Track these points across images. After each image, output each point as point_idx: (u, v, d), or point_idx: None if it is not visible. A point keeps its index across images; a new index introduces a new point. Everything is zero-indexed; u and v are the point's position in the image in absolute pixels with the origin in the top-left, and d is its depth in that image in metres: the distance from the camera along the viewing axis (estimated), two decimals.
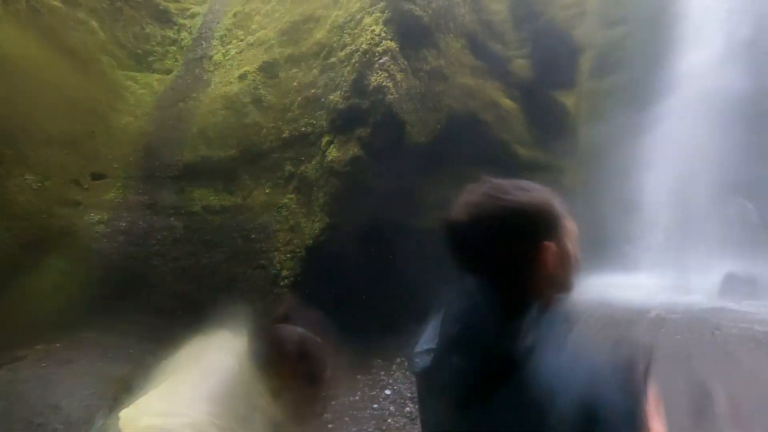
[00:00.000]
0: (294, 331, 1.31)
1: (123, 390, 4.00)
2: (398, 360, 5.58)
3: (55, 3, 6.89)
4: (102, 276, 6.34)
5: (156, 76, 7.96)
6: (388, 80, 5.64)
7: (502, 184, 0.95)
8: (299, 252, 5.98)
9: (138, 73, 7.82)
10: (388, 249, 6.12)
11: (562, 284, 0.92)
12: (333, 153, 5.77)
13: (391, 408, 4.10)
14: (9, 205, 5.58)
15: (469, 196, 0.96)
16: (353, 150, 5.57)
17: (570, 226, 0.94)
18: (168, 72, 8.06)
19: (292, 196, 6.31)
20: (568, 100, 8.45)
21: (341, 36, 6.55)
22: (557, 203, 0.94)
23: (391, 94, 5.62)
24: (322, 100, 6.35)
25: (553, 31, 7.90)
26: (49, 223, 5.98)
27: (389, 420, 3.93)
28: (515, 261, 0.89)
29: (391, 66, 5.74)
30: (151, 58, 8.07)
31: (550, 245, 0.88)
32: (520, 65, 7.87)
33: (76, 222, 6.33)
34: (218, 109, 7.06)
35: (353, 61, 6.01)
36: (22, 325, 5.69)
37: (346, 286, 6.30)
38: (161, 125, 7.45)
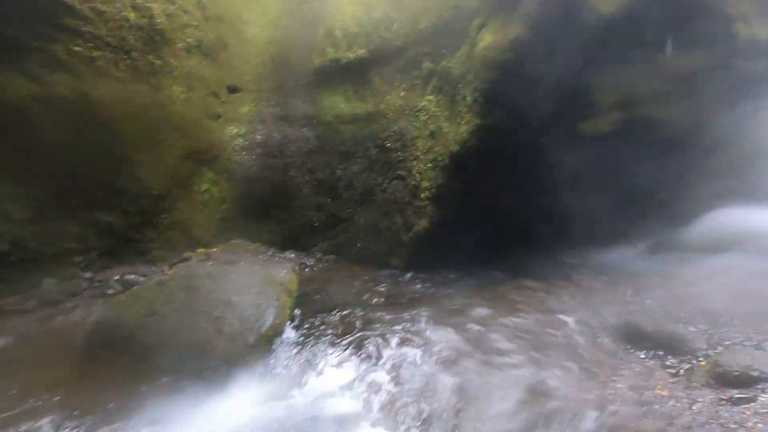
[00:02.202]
0: None
1: (283, 292, 3.92)
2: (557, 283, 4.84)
3: None
4: (245, 187, 6.51)
5: None
6: None
7: None
8: (442, 160, 5.31)
9: None
10: (550, 158, 5.14)
11: None
12: (486, 38, 4.75)
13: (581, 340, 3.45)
14: (168, 116, 5.77)
15: None
16: (515, 30, 4.48)
17: None
18: None
19: (432, 97, 5.53)
20: None
21: None
22: None
23: None
24: None
25: None
26: (198, 135, 6.14)
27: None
28: None
29: None
30: None
31: None
32: None
33: (218, 135, 6.45)
34: (345, 5, 6.36)
35: None
36: (186, 230, 6.14)
37: (495, 201, 5.56)
38: (288, 32, 7.06)
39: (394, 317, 4.03)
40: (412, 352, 3.31)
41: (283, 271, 4.40)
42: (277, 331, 3.42)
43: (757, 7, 6.14)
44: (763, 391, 2.38)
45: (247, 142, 6.63)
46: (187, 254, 5.88)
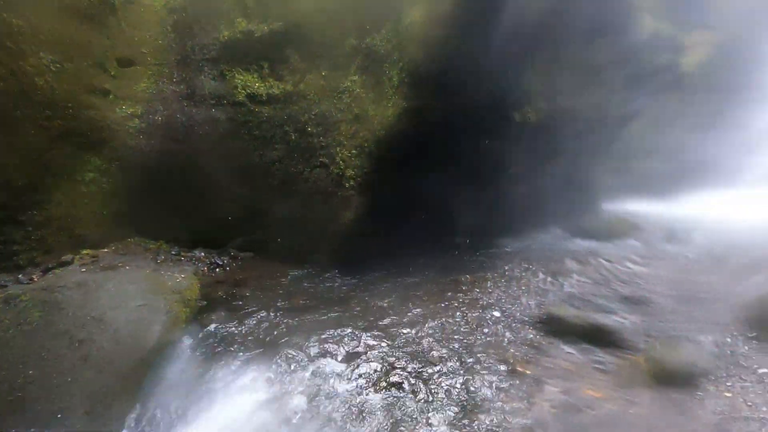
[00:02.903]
0: None
1: (177, 301, 3.27)
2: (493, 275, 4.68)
3: None
4: (144, 177, 5.60)
5: None
6: None
7: None
8: (368, 146, 4.89)
9: None
10: (483, 146, 4.94)
11: None
12: (414, 13, 4.37)
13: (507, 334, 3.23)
14: (29, 89, 4.70)
15: None
16: (445, 5, 4.15)
17: None
18: None
19: (356, 77, 5.06)
20: None
21: None
22: None
23: None
24: None
25: None
26: (77, 114, 5.12)
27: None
28: None
29: None
30: None
31: None
32: None
33: (107, 115, 5.45)
34: None
35: None
36: (67, 228, 5.14)
37: (426, 190, 5.27)
38: None
39: (316, 322, 3.57)
40: (336, 369, 2.87)
41: (181, 275, 3.72)
42: (163, 353, 2.79)
43: (661, 1, 6.43)
44: (698, 387, 2.29)
45: (144, 125, 5.68)
46: (67, 257, 4.90)
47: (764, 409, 2.13)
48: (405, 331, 3.28)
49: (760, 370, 2.45)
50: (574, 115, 6.24)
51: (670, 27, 6.70)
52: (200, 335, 3.25)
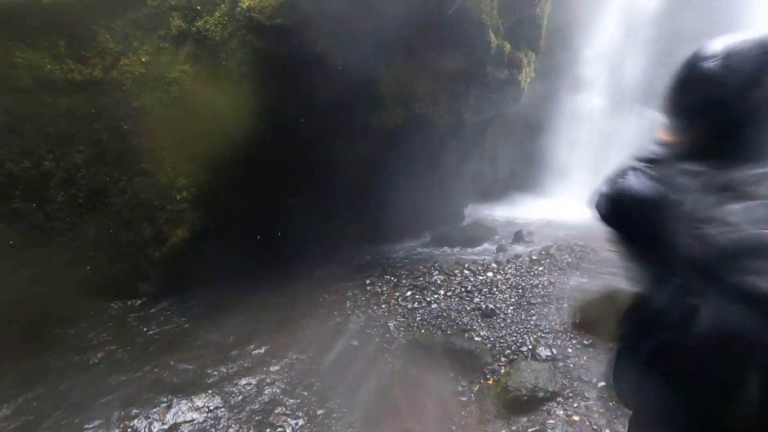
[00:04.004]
0: None
1: None
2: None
3: None
4: None
5: None
6: None
7: None
8: (205, 150, 4.10)
9: None
10: (340, 152, 4.54)
11: None
12: None
13: None
14: None
15: None
16: None
17: None
18: None
19: (188, 67, 4.21)
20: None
21: None
22: None
23: None
24: None
25: None
26: None
27: None
28: None
29: None
30: None
31: None
32: None
33: None
34: None
35: None
36: None
37: (277, 200, 4.67)
38: None
39: (121, 387, 2.69)
40: None
41: None
42: None
43: (506, 18, 6.96)
44: (549, 413, 2.22)
45: None
46: None
47: (607, 431, 2.16)
48: (244, 383, 2.67)
49: (600, 384, 2.53)
50: (432, 121, 6.32)
51: (508, 44, 7.31)
52: None
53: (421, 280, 4.46)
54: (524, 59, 7.70)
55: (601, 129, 10.76)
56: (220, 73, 4.05)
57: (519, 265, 4.80)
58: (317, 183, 5.40)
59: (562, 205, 10.10)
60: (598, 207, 0.98)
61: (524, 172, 11.35)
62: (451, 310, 3.63)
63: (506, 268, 4.58)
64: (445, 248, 6.24)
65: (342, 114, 4.95)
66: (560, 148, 11.04)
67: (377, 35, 4.50)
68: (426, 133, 6.24)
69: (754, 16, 9.64)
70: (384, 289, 4.31)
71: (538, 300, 3.81)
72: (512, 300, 3.75)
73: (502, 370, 2.73)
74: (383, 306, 3.84)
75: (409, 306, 3.80)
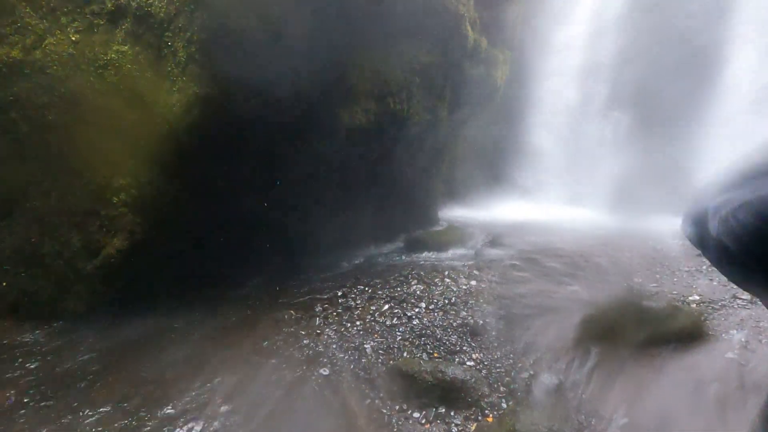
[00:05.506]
0: None
1: None
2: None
3: None
4: None
5: None
6: None
7: None
8: (147, 144, 3.51)
9: None
10: (309, 149, 4.04)
11: None
12: None
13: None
14: None
15: None
16: None
17: None
18: None
19: (126, 48, 3.60)
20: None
21: None
22: None
23: None
24: None
25: None
26: None
27: None
28: None
29: None
30: None
31: None
32: None
33: None
34: None
35: None
36: None
37: (235, 202, 4.11)
38: None
39: None
40: None
41: None
42: None
43: (484, 12, 6.66)
44: None
45: None
46: None
47: None
48: None
49: (622, 421, 2.16)
50: (406, 118, 5.92)
51: (485, 40, 7.02)
52: None
53: (399, 291, 4.01)
54: (500, 56, 7.45)
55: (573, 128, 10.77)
56: (165, 55, 3.47)
57: (502, 272, 4.46)
58: (280, 182, 4.87)
59: (536, 206, 10.00)
60: (724, 229, 0.59)
61: (498, 172, 11.18)
62: (436, 326, 3.20)
63: (489, 276, 4.21)
64: (421, 253, 5.84)
65: (306, 106, 4.46)
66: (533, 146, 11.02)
67: (346, 14, 4.05)
68: (402, 128, 5.82)
69: None
70: (358, 302, 3.84)
71: (529, 311, 3.46)
72: (501, 313, 3.37)
73: (503, 405, 2.32)
74: (357, 323, 3.36)
75: (388, 322, 3.33)
